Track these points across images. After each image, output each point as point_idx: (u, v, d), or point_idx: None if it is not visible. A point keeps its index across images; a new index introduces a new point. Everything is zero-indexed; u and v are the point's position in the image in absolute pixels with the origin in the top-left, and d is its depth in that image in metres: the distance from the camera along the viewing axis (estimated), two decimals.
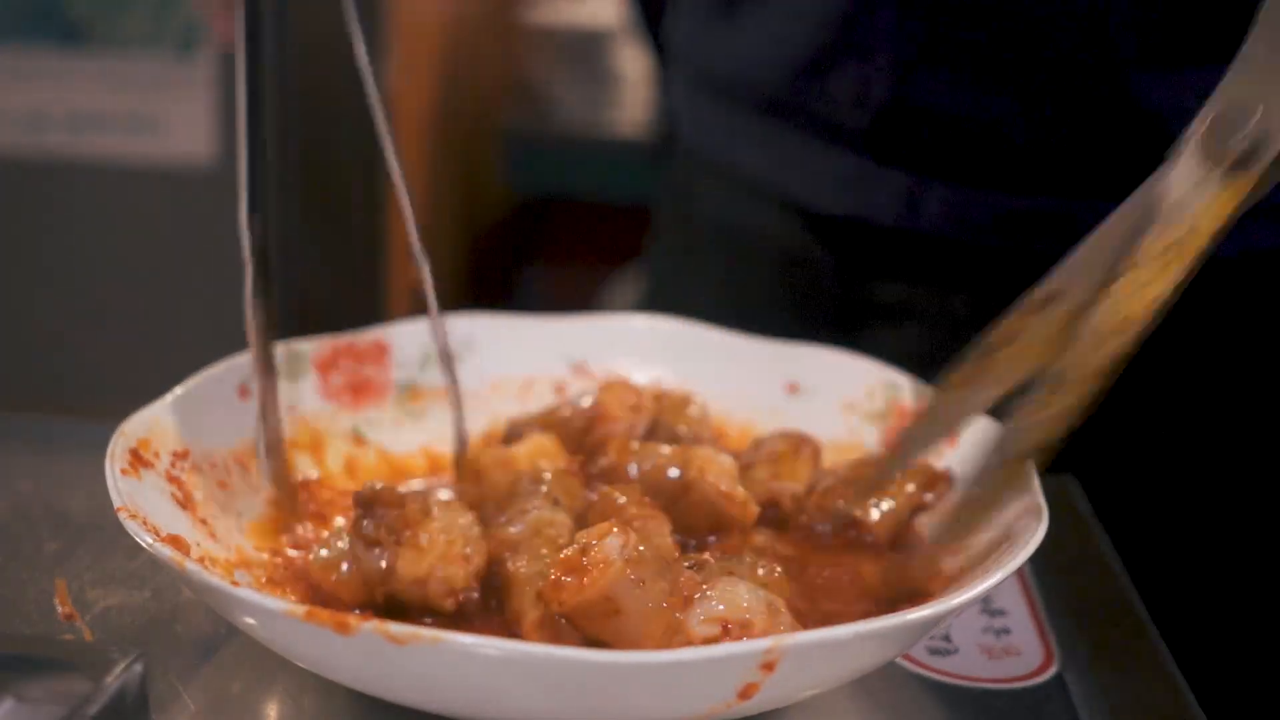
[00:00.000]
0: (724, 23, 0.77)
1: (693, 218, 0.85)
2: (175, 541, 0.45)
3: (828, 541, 0.52)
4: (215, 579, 0.40)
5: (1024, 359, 0.47)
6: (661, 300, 0.82)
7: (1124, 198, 0.67)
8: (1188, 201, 0.43)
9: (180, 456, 0.50)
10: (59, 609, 0.48)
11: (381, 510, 0.46)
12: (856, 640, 0.39)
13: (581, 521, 0.48)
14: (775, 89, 0.74)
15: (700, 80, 0.81)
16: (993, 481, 0.46)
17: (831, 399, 0.59)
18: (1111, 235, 0.45)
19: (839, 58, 0.70)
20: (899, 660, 0.48)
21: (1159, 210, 0.43)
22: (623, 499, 0.47)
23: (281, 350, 0.57)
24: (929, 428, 0.50)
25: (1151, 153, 0.65)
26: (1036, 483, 0.48)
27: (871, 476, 0.51)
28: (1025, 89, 0.67)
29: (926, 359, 0.59)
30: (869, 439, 0.58)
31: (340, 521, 0.53)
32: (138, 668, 0.40)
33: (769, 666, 0.37)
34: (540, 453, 0.53)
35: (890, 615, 0.39)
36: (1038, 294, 0.47)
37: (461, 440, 0.57)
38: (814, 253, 0.75)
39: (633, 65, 1.82)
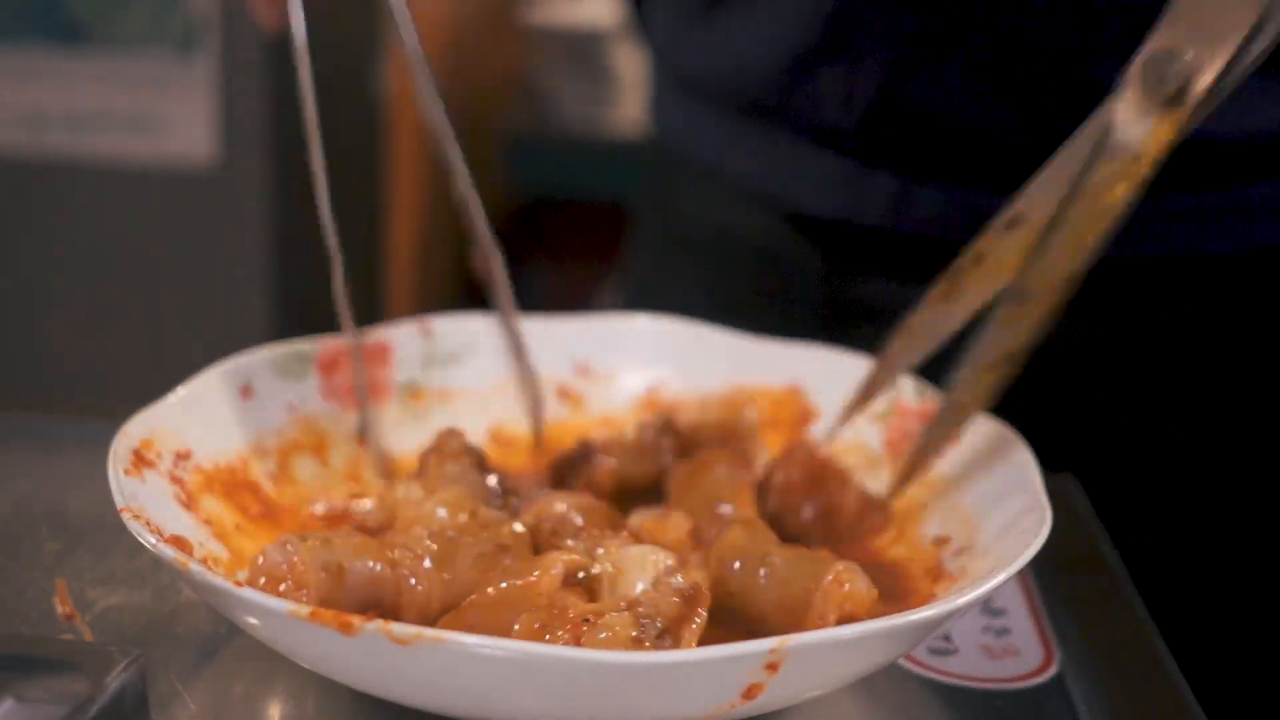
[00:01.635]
0: (707, 23, 0.77)
1: (676, 219, 0.84)
2: (178, 542, 0.45)
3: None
4: (219, 579, 0.40)
5: (991, 277, 0.53)
6: (644, 302, 0.82)
7: None
8: (1131, 132, 0.50)
9: (183, 457, 0.50)
10: (59, 609, 0.48)
11: None
12: (861, 640, 0.39)
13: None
14: (760, 90, 0.74)
15: (683, 80, 0.81)
16: (965, 389, 0.52)
17: (834, 399, 0.59)
18: (1067, 163, 0.51)
19: (825, 58, 0.70)
20: (899, 660, 0.48)
21: (1107, 140, 0.50)
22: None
23: (284, 350, 0.57)
24: (911, 346, 0.56)
25: None
26: (1040, 484, 0.48)
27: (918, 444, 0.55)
28: (1013, 89, 0.67)
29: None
30: (871, 439, 0.58)
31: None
32: (138, 668, 0.40)
33: (773, 667, 0.38)
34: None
35: (895, 615, 0.39)
36: (1002, 217, 0.53)
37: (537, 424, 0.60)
38: (801, 254, 0.75)
39: (632, 65, 1.82)
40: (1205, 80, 0.48)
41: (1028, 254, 0.51)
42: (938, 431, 0.53)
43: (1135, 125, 0.50)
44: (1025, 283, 0.51)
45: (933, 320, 0.55)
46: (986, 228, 0.53)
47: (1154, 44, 0.49)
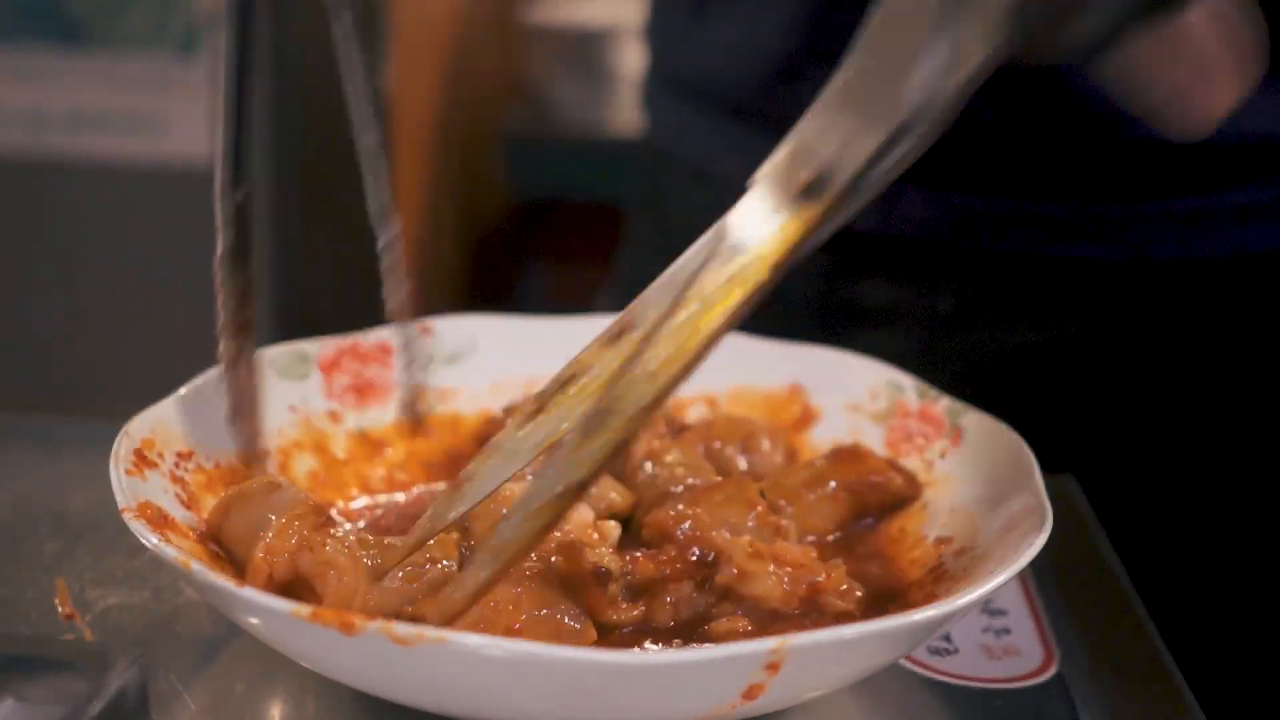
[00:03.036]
0: (696, 24, 0.77)
1: (669, 220, 0.84)
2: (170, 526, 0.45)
3: None
4: (220, 579, 0.40)
5: (591, 392, 0.46)
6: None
7: (1097, 199, 0.67)
8: (756, 232, 0.44)
9: (184, 457, 0.50)
10: (59, 609, 0.48)
11: None
12: (862, 640, 0.39)
13: None
14: (747, 91, 0.74)
15: (674, 82, 0.81)
16: (526, 518, 0.41)
17: (835, 399, 0.59)
18: (686, 266, 0.46)
19: (811, 60, 0.70)
20: (899, 660, 0.48)
21: (725, 241, 0.44)
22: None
23: (285, 350, 0.57)
24: (491, 471, 0.46)
25: (1121, 154, 0.66)
26: (1040, 484, 0.48)
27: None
28: (995, 91, 0.67)
29: (907, 361, 0.59)
30: (873, 439, 0.58)
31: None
32: (138, 668, 0.40)
33: (774, 667, 0.38)
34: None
35: (896, 615, 0.39)
36: (614, 324, 0.46)
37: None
38: None
39: (633, 65, 1.83)
40: (842, 178, 0.43)
41: (622, 372, 0.42)
42: (476, 568, 0.42)
43: (762, 224, 0.44)
44: (607, 404, 0.41)
45: (522, 438, 0.46)
46: (591, 343, 0.47)
47: (796, 136, 0.44)
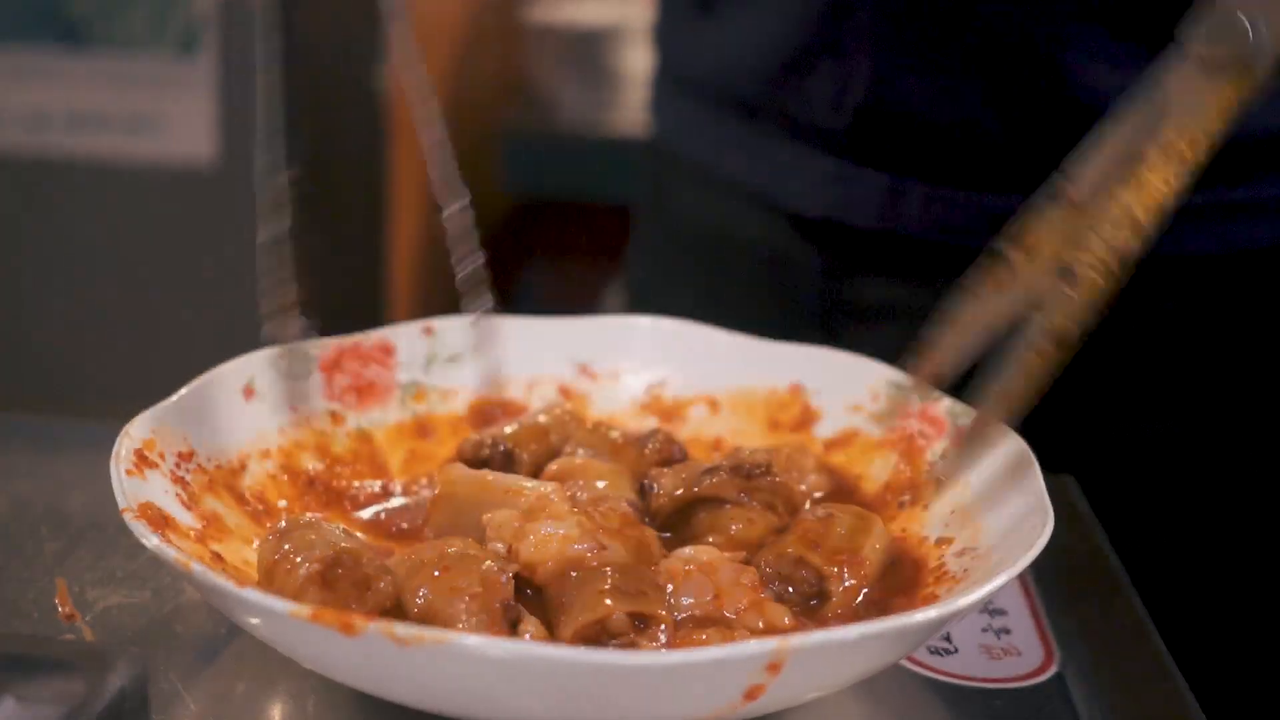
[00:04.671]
0: (702, 23, 0.77)
1: (672, 219, 0.85)
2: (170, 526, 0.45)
3: None
4: (221, 580, 0.40)
5: (1043, 260, 0.50)
6: (643, 303, 0.82)
7: None
8: (1193, 102, 0.47)
9: (185, 457, 0.50)
10: (59, 609, 0.48)
11: None
12: (862, 641, 0.39)
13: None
14: (753, 90, 0.74)
15: (679, 80, 0.81)
16: (1019, 368, 0.49)
17: (836, 400, 0.59)
18: (1119, 138, 0.49)
19: (816, 59, 0.70)
20: (900, 660, 0.48)
21: (1166, 111, 0.47)
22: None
23: (286, 351, 0.57)
24: (968, 343, 0.52)
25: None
26: (1041, 484, 0.48)
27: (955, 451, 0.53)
28: (998, 90, 0.67)
29: (908, 358, 0.59)
30: (874, 439, 0.57)
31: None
32: (138, 668, 0.40)
33: (774, 668, 0.37)
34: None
35: (896, 616, 0.39)
36: (1055, 196, 0.50)
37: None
38: (794, 254, 0.75)
39: (633, 65, 1.82)
40: (1274, 47, 0.45)
41: (1078, 234, 0.48)
42: (984, 419, 0.50)
43: (1197, 95, 0.47)
44: (1075, 264, 0.48)
45: (982, 311, 0.52)
46: (1032, 207, 0.50)
47: (1215, 10, 0.47)
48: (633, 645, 0.43)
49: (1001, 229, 0.69)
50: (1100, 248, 0.47)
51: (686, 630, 0.44)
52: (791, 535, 0.49)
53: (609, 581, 0.44)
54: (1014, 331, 0.50)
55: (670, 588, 0.45)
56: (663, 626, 0.44)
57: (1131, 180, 0.47)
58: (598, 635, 0.43)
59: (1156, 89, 0.48)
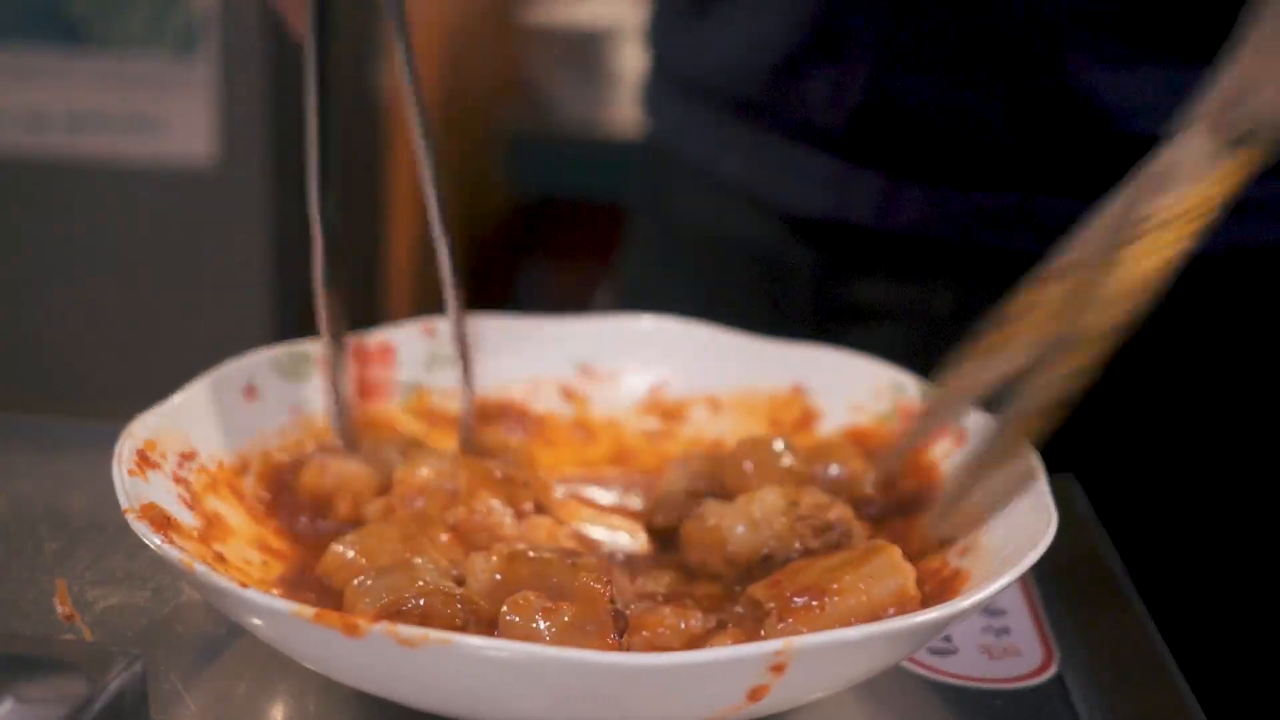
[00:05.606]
0: (697, 22, 0.77)
1: (668, 219, 0.84)
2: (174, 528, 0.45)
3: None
4: (224, 580, 0.40)
5: (1038, 329, 0.49)
6: (639, 303, 0.82)
7: (1098, 195, 0.67)
8: (1199, 171, 0.46)
9: (187, 458, 0.50)
10: (59, 609, 0.48)
11: None
12: (866, 642, 0.39)
13: None
14: (749, 89, 0.74)
15: (675, 80, 0.81)
16: (1000, 440, 0.49)
17: (837, 400, 0.59)
18: (1124, 205, 0.48)
19: (813, 58, 0.70)
20: (903, 660, 0.48)
21: (1174, 178, 0.47)
22: None
23: (287, 351, 0.57)
24: (945, 405, 0.53)
25: (1121, 150, 0.66)
26: (1045, 484, 0.48)
27: (887, 453, 0.53)
28: (997, 89, 0.67)
29: (906, 359, 0.59)
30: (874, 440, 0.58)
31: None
32: (138, 668, 0.40)
33: (779, 669, 0.37)
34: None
35: (900, 617, 0.39)
36: (1053, 266, 0.49)
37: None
38: (792, 254, 0.75)
39: (633, 65, 1.83)
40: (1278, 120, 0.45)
41: (1076, 302, 0.48)
42: (956, 491, 0.50)
43: (1205, 163, 0.46)
44: (1072, 331, 0.47)
45: (969, 375, 0.51)
46: (1035, 276, 0.50)
47: (1228, 78, 0.46)
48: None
49: (1002, 228, 0.69)
50: (1092, 321, 0.47)
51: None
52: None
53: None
54: (1000, 397, 0.50)
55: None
56: None
57: (1127, 250, 0.47)
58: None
59: (1161, 157, 0.47)
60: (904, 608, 0.44)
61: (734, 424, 0.60)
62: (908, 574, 0.44)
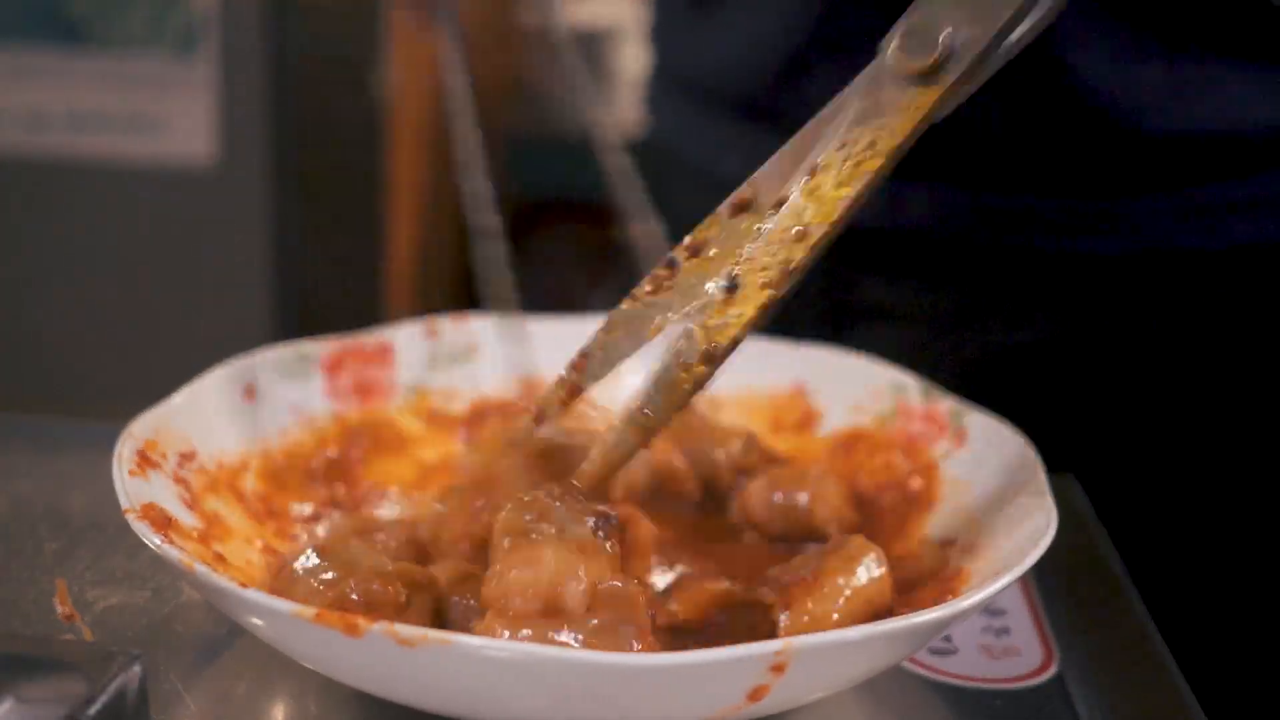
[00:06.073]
0: (699, 23, 0.77)
1: (671, 221, 0.84)
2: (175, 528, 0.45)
3: None
4: (224, 580, 0.40)
5: (711, 267, 0.46)
6: None
7: (1098, 194, 0.67)
8: (882, 106, 0.45)
9: (187, 458, 0.50)
10: (59, 609, 0.48)
11: None
12: (867, 642, 0.39)
13: None
14: (751, 90, 0.74)
15: (676, 80, 0.81)
16: (669, 387, 0.46)
17: (838, 400, 0.59)
18: (805, 141, 0.47)
19: (814, 58, 0.70)
20: (904, 660, 0.48)
21: (853, 114, 0.45)
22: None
23: (287, 351, 0.57)
24: (615, 345, 0.49)
25: (1122, 148, 0.66)
26: (1045, 485, 0.48)
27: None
28: (999, 86, 0.67)
29: (910, 357, 0.59)
30: (875, 439, 0.58)
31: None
32: (138, 668, 0.40)
33: (779, 669, 0.37)
34: None
35: (901, 617, 0.39)
36: (729, 202, 0.47)
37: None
38: None
39: (633, 65, 1.83)
40: (969, 56, 0.44)
41: (746, 241, 0.46)
42: (624, 436, 0.47)
43: (887, 99, 0.45)
44: (738, 270, 0.45)
45: (639, 319, 0.48)
46: (712, 212, 0.48)
47: (912, 15, 0.45)
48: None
49: (1005, 228, 0.69)
50: (766, 257, 0.45)
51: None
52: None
53: None
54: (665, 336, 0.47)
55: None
56: None
57: (807, 187, 0.45)
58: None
59: (846, 95, 0.46)
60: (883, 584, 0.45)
61: (734, 424, 0.60)
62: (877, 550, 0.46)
